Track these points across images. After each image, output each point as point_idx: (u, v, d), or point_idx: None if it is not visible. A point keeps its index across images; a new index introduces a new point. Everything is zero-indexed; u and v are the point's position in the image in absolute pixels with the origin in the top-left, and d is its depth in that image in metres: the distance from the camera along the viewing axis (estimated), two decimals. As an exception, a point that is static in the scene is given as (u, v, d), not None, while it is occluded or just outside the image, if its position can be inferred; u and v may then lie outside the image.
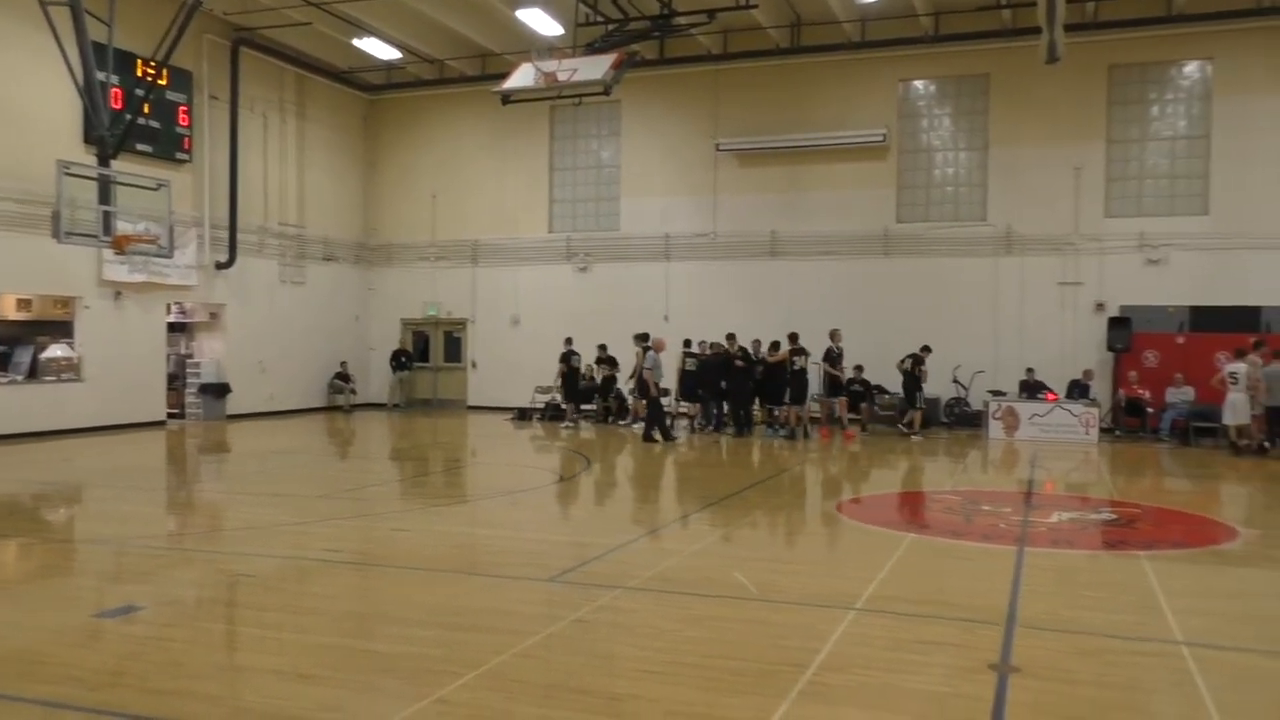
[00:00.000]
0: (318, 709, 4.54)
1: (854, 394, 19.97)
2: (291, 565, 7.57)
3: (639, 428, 18.93)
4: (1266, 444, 16.30)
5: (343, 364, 24.64)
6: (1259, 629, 6.08)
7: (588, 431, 19.82)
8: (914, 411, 18.94)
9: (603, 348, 21.23)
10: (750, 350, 19.21)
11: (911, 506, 11.46)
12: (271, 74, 22.77)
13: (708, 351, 19.28)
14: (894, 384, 20.29)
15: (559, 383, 21.25)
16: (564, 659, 5.31)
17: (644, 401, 18.15)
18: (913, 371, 18.86)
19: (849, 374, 19.89)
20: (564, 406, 21.08)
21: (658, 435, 17.35)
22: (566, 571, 7.28)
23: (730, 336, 19.26)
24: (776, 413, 18.91)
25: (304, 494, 11.33)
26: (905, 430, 18.92)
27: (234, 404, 21.63)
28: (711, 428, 19.09)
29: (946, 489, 12.60)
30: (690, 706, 4.56)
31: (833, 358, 18.95)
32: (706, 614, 6.27)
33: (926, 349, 19.09)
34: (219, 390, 21.43)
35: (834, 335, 19.04)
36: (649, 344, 18.58)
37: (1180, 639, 5.72)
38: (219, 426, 20.19)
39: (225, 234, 21.28)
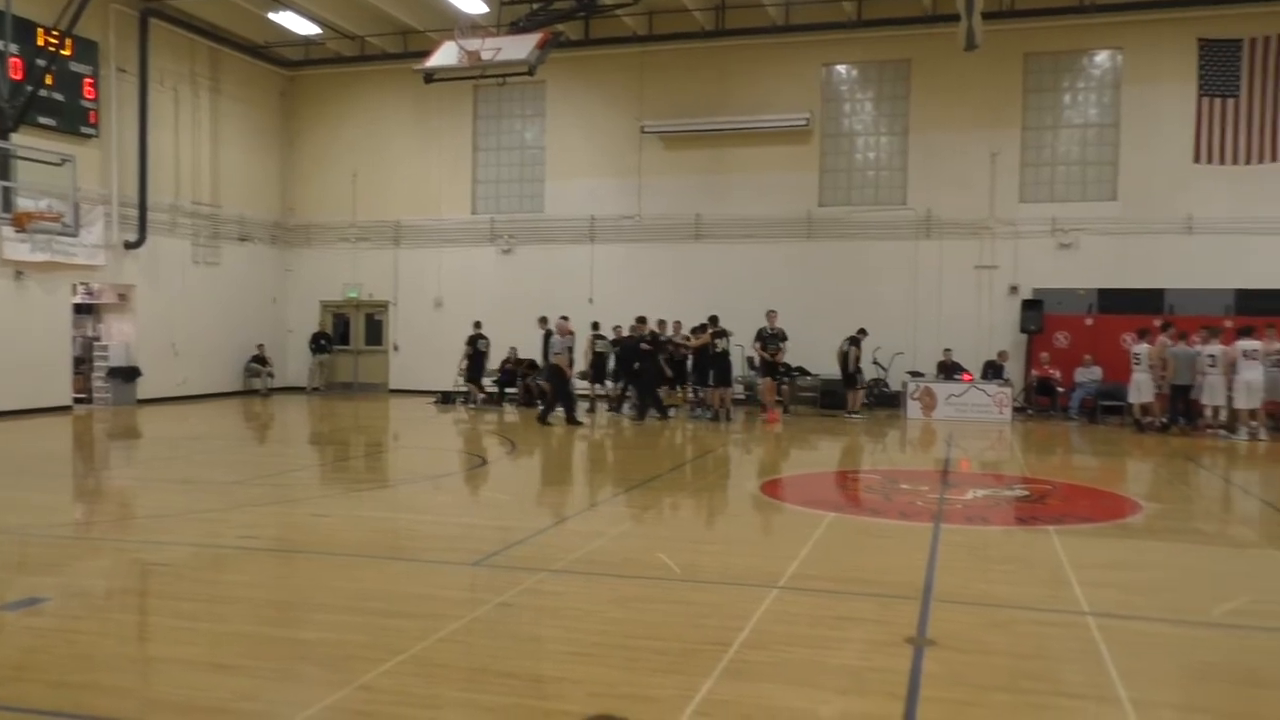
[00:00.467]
0: (235, 699, 4.44)
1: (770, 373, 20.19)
2: (207, 553, 7.39)
3: (561, 412, 19.03)
4: (1165, 421, 16.94)
5: (259, 347, 24.08)
6: (1159, 599, 6.33)
7: (512, 415, 19.72)
8: (853, 392, 19.19)
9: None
10: (667, 333, 19.20)
11: (832, 486, 11.66)
12: (183, 46, 22.04)
13: (624, 334, 19.26)
14: (816, 365, 20.61)
15: (463, 365, 21.19)
16: (488, 643, 5.29)
17: (550, 384, 17.93)
18: (849, 353, 19.13)
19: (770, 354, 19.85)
20: (466, 389, 21.22)
21: (552, 419, 17.12)
22: (490, 555, 7.24)
23: (640, 320, 19.22)
24: (701, 394, 19.03)
25: (219, 480, 11.06)
26: (849, 413, 19.08)
27: (145, 388, 21.01)
28: (629, 411, 19.05)
29: (866, 468, 12.85)
30: (614, 687, 4.58)
31: (764, 338, 18.76)
32: (631, 595, 6.29)
33: (863, 332, 19.39)
34: (128, 374, 20.78)
35: (769, 316, 18.93)
36: (551, 327, 18.59)
37: (1086, 610, 5.93)
38: (129, 411, 19.59)
39: (135, 212, 20.60)
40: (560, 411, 17.21)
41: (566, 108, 23.41)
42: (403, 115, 24.42)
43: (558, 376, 17.57)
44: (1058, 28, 20.42)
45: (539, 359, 20.74)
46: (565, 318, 19.49)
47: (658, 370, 18.86)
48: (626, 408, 19.12)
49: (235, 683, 4.64)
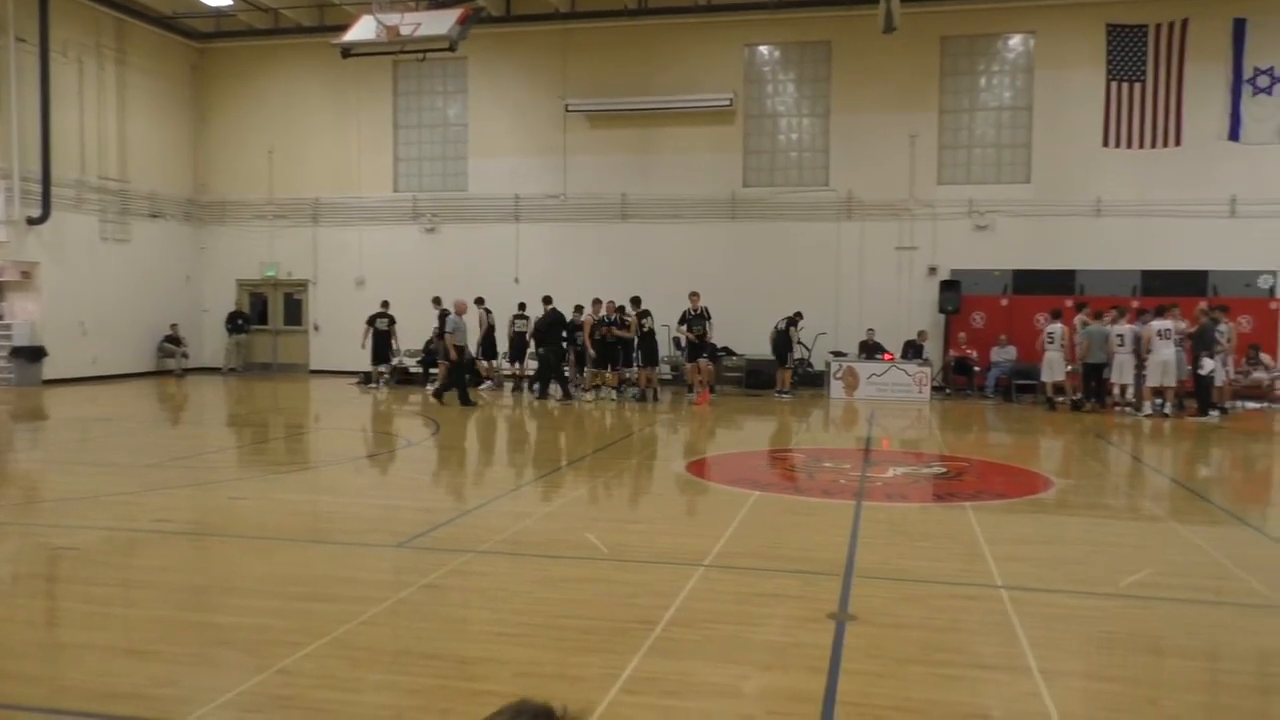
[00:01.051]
0: (150, 684, 4.34)
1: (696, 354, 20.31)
2: (119, 537, 7.18)
3: (486, 388, 19.03)
4: (1077, 399, 17.49)
5: (173, 326, 23.40)
6: (1067, 572, 6.55)
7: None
8: (783, 371, 19.38)
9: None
10: (601, 313, 19.14)
11: (757, 465, 11.79)
12: (87, 17, 21.19)
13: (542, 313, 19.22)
14: (742, 346, 20.80)
15: (365, 344, 21.02)
16: (413, 625, 5.25)
17: (448, 362, 17.80)
18: (786, 333, 19.33)
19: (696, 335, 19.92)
20: (370, 370, 21.05)
21: (461, 398, 17.05)
22: (415, 537, 7.17)
23: (546, 299, 19.22)
24: (628, 375, 19.06)
25: (131, 463, 10.75)
26: (780, 392, 19.25)
27: (51, 368, 20.29)
28: (542, 391, 18.98)
29: (790, 447, 13.02)
30: (541, 667, 4.59)
31: (687, 320, 18.69)
32: (558, 575, 6.30)
33: (799, 314, 19.65)
34: (33, 354, 20.03)
35: (691, 298, 18.86)
36: (446, 307, 18.49)
37: (1000, 583, 6.11)
38: (34, 392, 18.89)
39: (38, 188, 19.80)
40: (447, 391, 17.23)
41: (489, 85, 23.13)
42: (320, 90, 23.87)
43: (446, 355, 17.56)
44: (973, 11, 20.81)
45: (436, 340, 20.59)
46: (480, 300, 19.35)
47: (562, 350, 18.89)
48: (536, 388, 19.06)
49: (150, 668, 4.54)
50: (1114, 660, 4.94)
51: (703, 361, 18.64)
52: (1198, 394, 16.45)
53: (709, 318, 18.74)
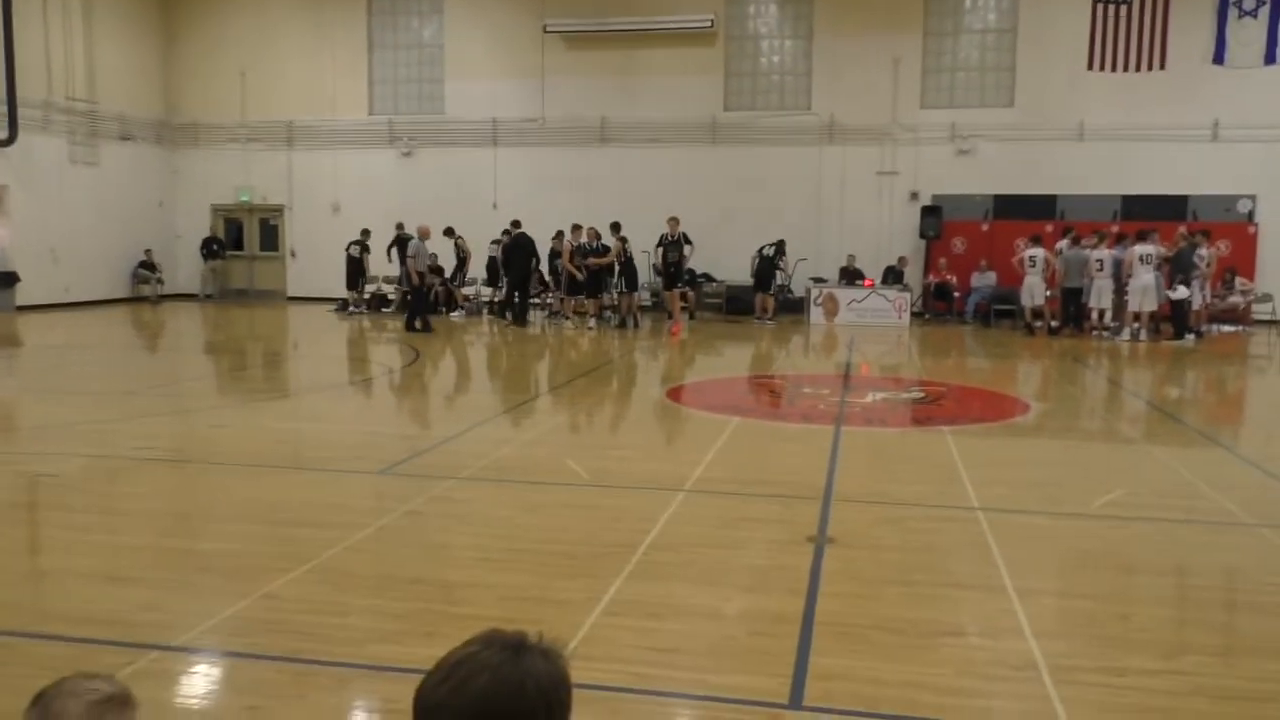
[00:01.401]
0: (133, 610, 4.36)
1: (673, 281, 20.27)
2: (99, 464, 7.17)
3: (458, 316, 19.14)
4: (1056, 324, 17.62)
5: (147, 252, 23.07)
6: (1042, 493, 6.65)
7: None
8: (766, 297, 19.34)
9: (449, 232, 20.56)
10: (581, 239, 18.91)
11: (737, 391, 11.84)
12: (48, -70, 20.45)
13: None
14: (722, 272, 20.75)
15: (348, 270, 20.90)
16: (396, 550, 5.28)
17: (407, 289, 17.80)
18: (772, 260, 19.24)
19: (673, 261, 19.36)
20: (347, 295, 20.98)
21: (419, 324, 16.95)
22: (397, 464, 7.19)
23: (514, 223, 19.07)
24: (608, 302, 18.99)
25: (109, 390, 10.68)
26: (760, 318, 19.17)
27: (24, 295, 19.99)
28: (506, 315, 18.94)
29: (771, 373, 13.08)
30: (524, 591, 4.64)
31: (665, 245, 18.41)
32: (540, 501, 6.34)
33: (783, 243, 19.54)
34: (5, 280, 19.73)
35: (670, 223, 18.56)
36: (406, 232, 18.32)
37: (976, 505, 6.20)
38: (7, 319, 18.66)
39: (2, 108, 19.29)
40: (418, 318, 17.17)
41: (466, 5, 22.55)
42: (292, 10, 23.22)
43: (408, 280, 17.42)
44: (961, -69, 20.39)
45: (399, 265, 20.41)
46: (450, 230, 19.09)
47: (525, 276, 18.81)
48: (508, 314, 19.05)
49: (133, 594, 4.56)
50: (1087, 578, 5.04)
51: (680, 289, 18.43)
52: (1173, 318, 16.58)
53: (688, 242, 18.52)
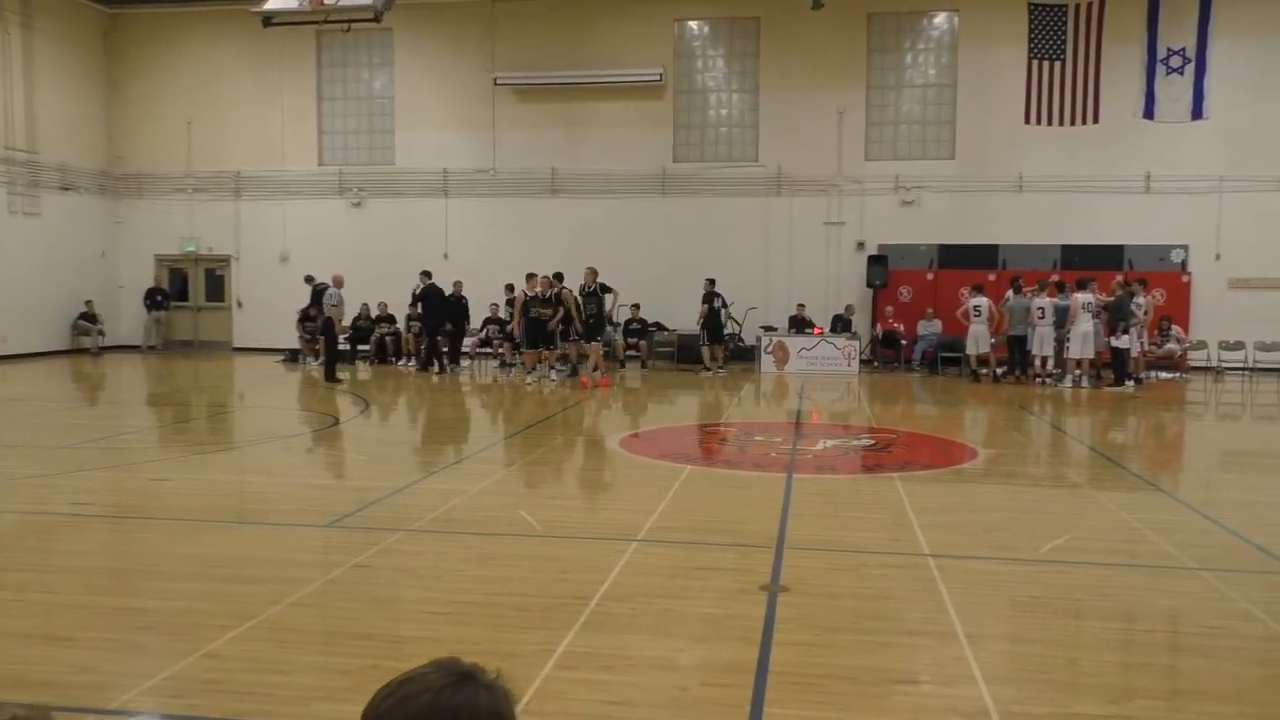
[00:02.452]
0: (70, 671, 4.22)
1: (632, 331, 20.34)
2: (33, 521, 6.95)
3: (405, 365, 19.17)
4: (1000, 372, 17.93)
5: (88, 303, 22.66)
6: (991, 539, 6.72)
7: (365, 373, 19.24)
8: (716, 347, 19.23)
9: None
10: (522, 289, 18.56)
11: (690, 439, 11.85)
12: (-10, -21, 20.27)
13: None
14: (673, 321, 20.85)
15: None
16: (344, 605, 5.17)
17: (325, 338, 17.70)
18: (717, 312, 19.14)
19: (615, 312, 19.36)
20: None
21: (340, 375, 17.13)
22: (345, 516, 7.07)
23: (425, 274, 19.26)
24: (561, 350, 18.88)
25: (45, 444, 10.40)
26: (710, 368, 18.99)
27: (-41, 349, 19.50)
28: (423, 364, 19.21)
29: (722, 421, 13.12)
30: (476, 645, 4.57)
31: (584, 295, 17.36)
32: (491, 553, 6.27)
33: (715, 293, 19.24)
34: (-60, 333, 19.24)
35: (587, 274, 17.54)
36: (321, 282, 18.23)
37: (927, 551, 6.24)
38: (-58, 374, 18.15)
39: (-60, 158, 18.95)
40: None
41: (416, 57, 22.70)
42: (240, 61, 23.18)
43: (329, 330, 17.34)
44: (901, -11, 21.02)
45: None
46: (310, 277, 18.93)
47: (435, 325, 19.02)
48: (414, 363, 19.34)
49: (70, 655, 4.41)
50: (1035, 623, 5.08)
51: (595, 344, 17.36)
52: (1114, 365, 16.97)
53: (607, 291, 17.67)
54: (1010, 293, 17.94)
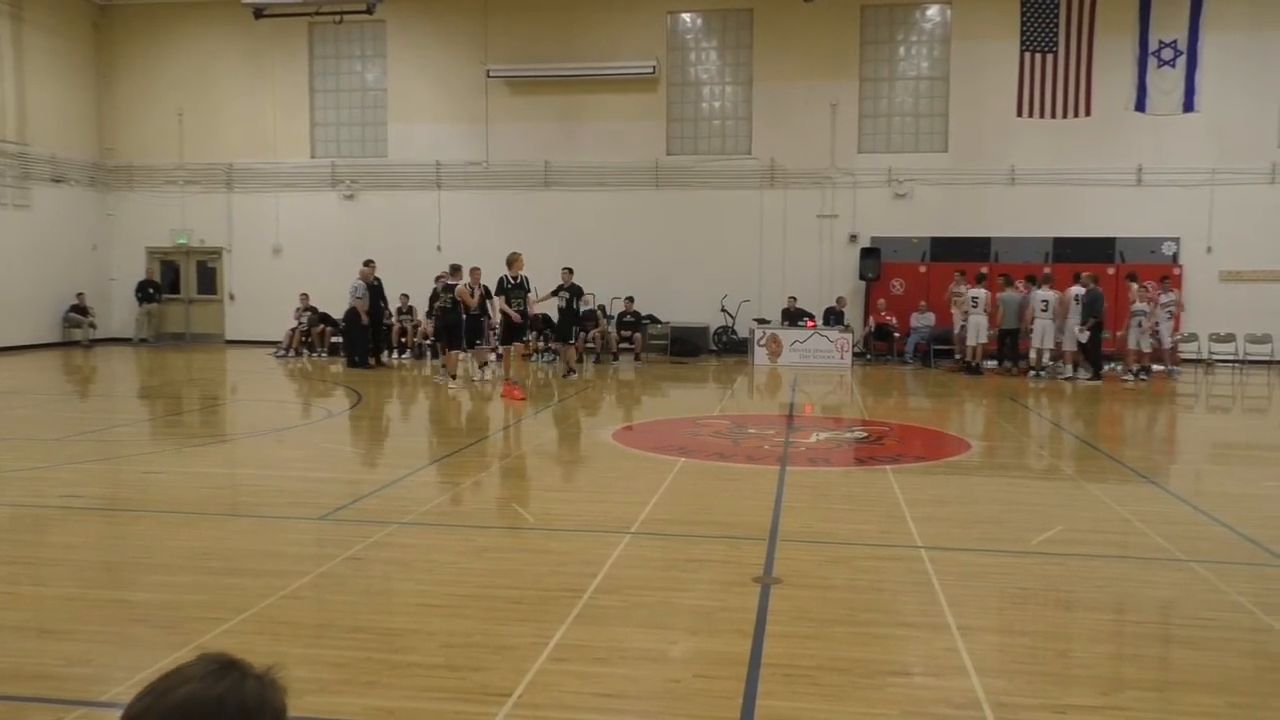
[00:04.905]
0: (63, 664, 4.21)
1: (626, 324, 20.36)
2: (25, 514, 6.94)
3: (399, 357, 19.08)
4: (990, 363, 18.00)
5: (79, 296, 22.57)
6: (983, 531, 6.75)
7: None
8: (568, 347, 17.50)
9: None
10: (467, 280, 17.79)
11: (683, 432, 11.85)
12: (-21, -31, 20.14)
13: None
14: (666, 314, 20.87)
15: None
16: (336, 598, 5.17)
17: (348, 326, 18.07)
18: (571, 302, 17.43)
19: (588, 304, 18.83)
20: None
21: (372, 360, 17.60)
22: (338, 509, 7.07)
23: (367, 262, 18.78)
24: (551, 346, 18.91)
25: (37, 437, 10.37)
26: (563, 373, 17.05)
27: (-51, 341, 19.42)
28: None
29: (715, 414, 13.12)
30: (468, 637, 4.57)
31: (505, 290, 15.35)
32: (484, 545, 6.27)
33: (569, 271, 17.78)
34: (-70, 326, 19.16)
35: (511, 262, 15.40)
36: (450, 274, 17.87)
37: (919, 544, 6.26)
38: (-68, 367, 18.08)
39: (-71, 150, 18.85)
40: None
41: (408, 49, 22.63)
42: (232, 52, 23.08)
43: (353, 319, 17.64)
44: (894, -18, 21.00)
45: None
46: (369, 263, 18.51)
47: (352, 317, 18.34)
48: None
49: (62, 647, 4.40)
50: (1027, 615, 5.11)
51: (518, 345, 15.79)
52: (1088, 357, 17.04)
53: (529, 289, 15.82)
54: (1017, 286, 18.04)
